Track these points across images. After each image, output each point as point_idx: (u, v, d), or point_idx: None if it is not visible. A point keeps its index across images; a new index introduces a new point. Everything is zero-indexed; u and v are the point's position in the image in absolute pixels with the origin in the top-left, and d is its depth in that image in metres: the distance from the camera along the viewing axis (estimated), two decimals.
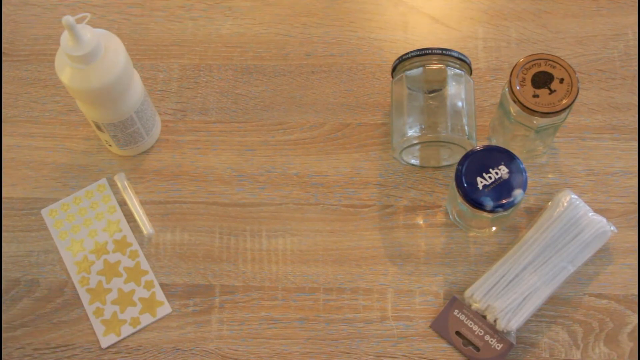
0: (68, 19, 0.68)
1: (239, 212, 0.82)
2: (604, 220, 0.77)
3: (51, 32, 0.91)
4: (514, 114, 0.76)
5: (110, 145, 0.83)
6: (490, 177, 0.72)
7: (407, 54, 0.79)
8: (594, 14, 0.89)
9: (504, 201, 0.72)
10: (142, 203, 0.82)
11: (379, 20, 0.91)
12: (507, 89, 0.75)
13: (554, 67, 0.74)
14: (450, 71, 0.78)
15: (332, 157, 0.84)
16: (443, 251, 0.80)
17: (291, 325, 0.77)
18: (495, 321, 0.75)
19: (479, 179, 0.72)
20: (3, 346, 0.77)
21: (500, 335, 0.75)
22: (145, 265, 0.80)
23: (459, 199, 0.74)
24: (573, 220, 0.77)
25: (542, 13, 0.90)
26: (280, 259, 0.80)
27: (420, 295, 0.78)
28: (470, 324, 0.76)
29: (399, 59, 0.80)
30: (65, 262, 0.80)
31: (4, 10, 0.92)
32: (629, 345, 0.75)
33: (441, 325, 0.76)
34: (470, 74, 0.81)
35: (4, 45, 0.90)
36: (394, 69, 0.81)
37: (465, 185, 0.72)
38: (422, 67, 0.78)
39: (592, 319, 0.76)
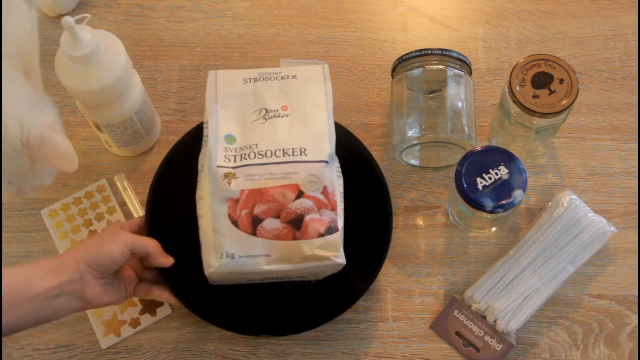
0: (68, 19, 0.68)
1: None
2: (604, 220, 0.77)
3: (51, 33, 0.90)
4: (514, 115, 0.75)
5: (110, 146, 0.83)
6: (490, 178, 0.72)
7: (407, 54, 0.79)
8: (594, 14, 0.89)
9: (503, 202, 0.72)
10: (142, 203, 0.82)
11: (379, 20, 0.90)
12: (507, 90, 0.75)
13: (553, 68, 0.74)
14: (450, 72, 0.78)
15: None
16: (443, 251, 0.80)
17: None
18: (495, 322, 0.75)
19: (478, 180, 0.72)
20: (3, 346, 0.77)
21: (500, 336, 0.75)
22: None
23: (459, 200, 0.73)
24: (573, 221, 0.77)
25: (542, 13, 0.90)
26: None
27: (420, 296, 0.78)
28: (470, 325, 0.76)
29: (399, 59, 0.80)
30: None
31: None
32: (629, 346, 0.75)
33: (441, 326, 0.76)
34: (470, 74, 0.81)
35: None
36: (394, 70, 0.81)
37: (465, 185, 0.72)
38: (422, 67, 0.78)
39: (592, 319, 0.76)
